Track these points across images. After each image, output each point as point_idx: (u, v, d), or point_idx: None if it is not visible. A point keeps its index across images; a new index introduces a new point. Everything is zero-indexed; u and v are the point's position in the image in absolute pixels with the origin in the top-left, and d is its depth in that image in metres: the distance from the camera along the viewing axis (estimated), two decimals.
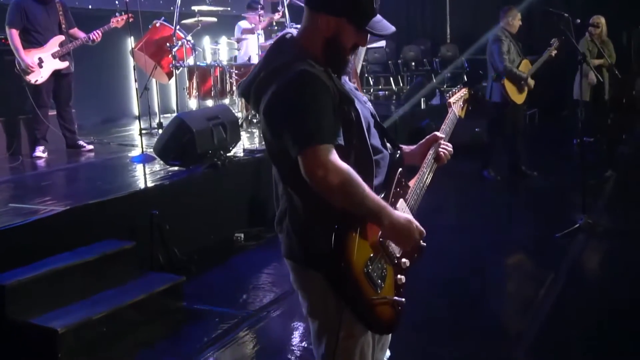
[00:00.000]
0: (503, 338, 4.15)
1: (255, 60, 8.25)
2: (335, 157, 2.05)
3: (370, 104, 2.39)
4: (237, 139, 6.54)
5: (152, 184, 5.50)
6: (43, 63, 6.89)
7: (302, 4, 7.55)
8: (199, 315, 4.48)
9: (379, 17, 2.23)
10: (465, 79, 13.27)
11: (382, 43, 13.37)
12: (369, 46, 11.86)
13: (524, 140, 8.16)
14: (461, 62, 13.39)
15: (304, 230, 2.21)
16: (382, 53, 13.77)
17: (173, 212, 5.38)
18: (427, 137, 2.54)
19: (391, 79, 14.24)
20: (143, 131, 7.91)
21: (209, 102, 8.55)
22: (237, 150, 6.61)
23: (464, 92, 2.87)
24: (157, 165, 6.14)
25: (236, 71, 7.81)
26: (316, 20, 2.19)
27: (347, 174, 2.05)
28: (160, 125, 8.29)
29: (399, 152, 2.38)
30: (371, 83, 14.42)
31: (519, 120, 7.99)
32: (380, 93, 13.72)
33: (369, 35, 2.25)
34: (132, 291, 4.35)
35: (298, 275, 2.30)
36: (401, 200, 2.31)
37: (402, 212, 2.26)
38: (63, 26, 7.09)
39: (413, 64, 14.10)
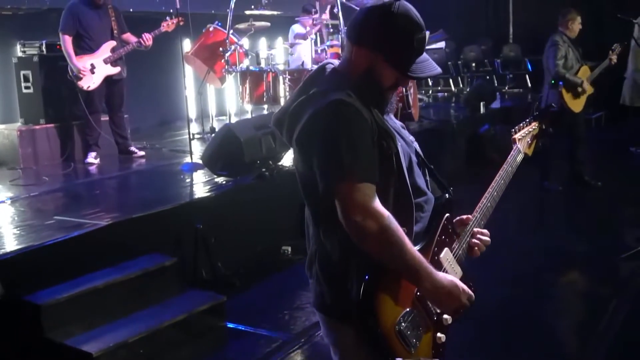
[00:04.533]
0: None
1: (308, 65, 8.08)
2: (376, 200, 1.87)
3: (417, 144, 2.20)
4: (287, 148, 6.39)
5: (198, 196, 5.40)
6: (95, 69, 6.88)
7: (356, 7, 7.37)
8: (240, 336, 4.37)
9: (424, 56, 2.04)
10: (528, 81, 12.86)
11: (442, 44, 13.03)
12: (427, 47, 11.58)
13: (586, 148, 7.75)
14: (524, 64, 12.96)
15: (335, 278, 2.03)
16: (442, 54, 13.39)
17: (219, 224, 5.27)
18: (461, 217, 2.25)
19: (451, 80, 13.90)
20: (196, 135, 7.92)
21: (262, 107, 8.45)
22: (287, 160, 6.46)
23: (533, 126, 2.58)
24: (205, 175, 6.05)
25: (289, 76, 7.66)
26: (354, 52, 2.05)
27: (387, 221, 1.86)
28: (212, 130, 8.24)
29: (447, 195, 2.15)
30: (430, 84, 14.08)
31: (579, 129, 7.57)
32: (439, 95, 13.39)
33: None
34: (172, 310, 4.23)
35: (329, 329, 2.12)
36: (446, 249, 2.10)
37: (448, 262, 2.06)
38: (115, 31, 7.08)
39: (473, 64, 13.76)
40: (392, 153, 1.98)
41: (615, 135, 10.61)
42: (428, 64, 2.06)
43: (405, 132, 2.18)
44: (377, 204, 1.87)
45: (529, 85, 12.96)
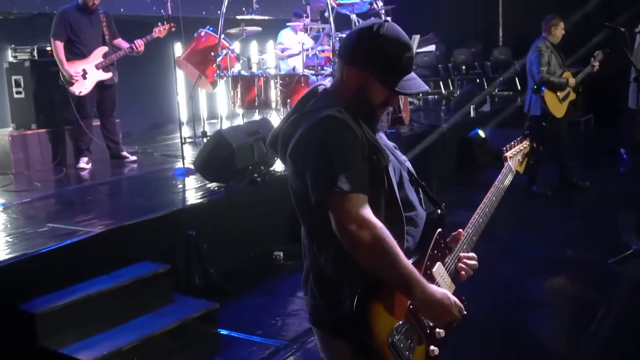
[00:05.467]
0: None
1: (300, 70, 8.12)
2: (369, 211, 1.93)
3: (409, 163, 2.26)
4: None
5: (191, 202, 5.43)
6: (87, 74, 6.90)
7: (348, 13, 7.39)
8: (233, 343, 4.39)
9: (412, 74, 2.11)
10: (518, 84, 12.93)
11: (432, 47, 13.11)
12: (418, 50, 11.63)
13: (570, 152, 7.82)
14: (514, 67, 13.02)
15: (329, 292, 2.07)
16: (432, 56, 13.48)
17: (211, 230, 5.31)
18: (453, 234, 2.29)
19: (441, 83, 13.95)
20: (187, 140, 7.93)
21: (253, 112, 8.47)
22: (278, 165, 6.49)
23: (524, 145, 2.62)
24: (197, 181, 6.07)
25: (280, 81, 7.68)
26: (345, 72, 2.11)
27: (380, 231, 1.91)
28: (204, 134, 8.24)
29: (439, 211, 2.20)
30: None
31: (562, 134, 7.64)
32: (430, 97, 13.43)
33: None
34: (166, 317, 4.26)
35: (324, 345, 2.16)
36: (439, 263, 2.14)
37: (440, 276, 2.11)
38: (106, 37, 7.10)
39: (464, 67, 13.78)
40: (382, 167, 2.04)
41: (604, 138, 10.68)
42: (416, 82, 2.12)
43: (397, 152, 2.24)
44: (370, 214, 1.93)
45: (519, 88, 13.03)
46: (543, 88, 7.23)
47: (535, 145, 2.64)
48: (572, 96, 7.39)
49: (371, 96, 2.09)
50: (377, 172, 2.02)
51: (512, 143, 2.59)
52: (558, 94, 7.33)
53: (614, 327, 4.44)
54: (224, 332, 4.47)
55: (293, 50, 8.71)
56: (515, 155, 2.56)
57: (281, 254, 5.81)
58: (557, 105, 7.36)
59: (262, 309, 4.92)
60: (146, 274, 4.46)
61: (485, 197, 2.37)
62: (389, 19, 8.30)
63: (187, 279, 5.04)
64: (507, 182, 2.46)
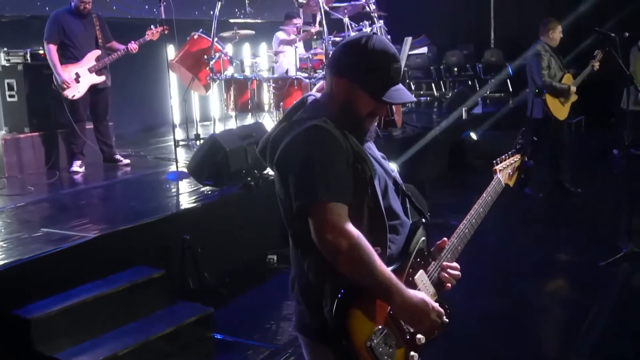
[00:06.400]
0: None
1: (292, 73, 8.14)
2: (347, 220, 1.98)
3: (397, 173, 2.30)
4: None
5: (185, 207, 5.45)
6: (80, 78, 6.90)
7: (340, 16, 7.41)
8: (228, 348, 4.42)
9: (399, 86, 2.16)
10: (510, 86, 12.98)
11: (424, 49, 13.14)
12: (410, 52, 11.66)
13: (567, 155, 7.88)
14: (506, 69, 13.08)
15: (312, 298, 2.11)
16: (424, 58, 13.53)
17: (205, 234, 5.32)
18: (438, 242, 2.31)
19: (433, 84, 14.01)
20: (180, 143, 7.93)
21: (246, 115, 8.49)
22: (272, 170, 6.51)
23: (515, 159, 2.65)
24: (191, 185, 6.09)
25: (273, 84, 7.71)
26: (333, 82, 2.17)
27: (357, 239, 1.96)
28: (197, 136, 8.25)
29: (424, 220, 2.24)
30: (412, 89, 14.19)
31: (562, 136, 7.71)
32: (422, 99, 13.49)
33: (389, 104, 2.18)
34: (161, 322, 4.27)
35: (309, 351, 2.20)
36: (421, 271, 2.17)
37: (422, 283, 2.15)
38: (100, 40, 7.10)
39: (455, 69, 13.84)
40: (367, 176, 2.09)
41: (594, 140, 10.76)
42: (403, 92, 2.17)
43: (385, 163, 2.28)
44: (348, 223, 1.97)
45: (510, 89, 13.10)
46: (545, 92, 7.27)
47: (526, 159, 2.67)
48: (574, 98, 7.44)
49: (359, 107, 2.14)
50: (361, 181, 2.07)
51: (503, 157, 2.61)
52: (560, 97, 7.37)
53: (605, 329, 4.48)
54: (218, 336, 4.49)
55: (288, 53, 8.73)
56: (505, 168, 2.59)
57: (275, 257, 5.84)
58: (559, 108, 7.41)
59: (256, 312, 4.94)
60: (141, 278, 4.47)
61: (472, 208, 2.39)
62: (380, 25, 8.36)
63: (182, 283, 5.06)
64: (495, 194, 2.49)
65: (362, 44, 2.11)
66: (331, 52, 2.32)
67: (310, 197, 1.96)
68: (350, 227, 1.96)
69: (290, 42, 8.71)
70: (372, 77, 2.11)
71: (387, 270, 2.00)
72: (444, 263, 2.25)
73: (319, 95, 2.25)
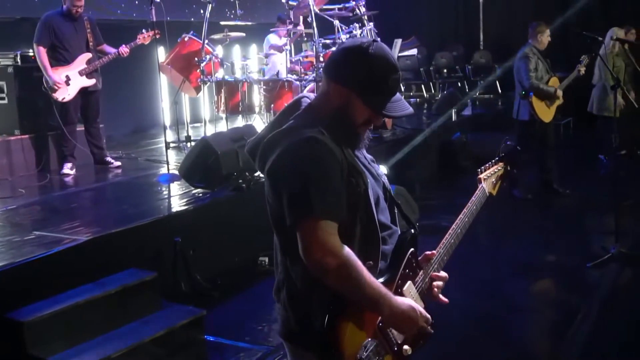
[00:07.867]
0: None
1: (283, 75, 8.17)
2: (336, 238, 1.95)
3: (386, 178, 2.28)
4: None
5: (176, 209, 5.46)
6: (70, 81, 6.91)
7: (330, 18, 7.43)
8: (220, 350, 4.43)
9: (397, 96, 2.13)
10: (499, 87, 13.07)
11: (414, 51, 13.22)
12: (400, 54, 11.72)
13: (554, 157, 7.94)
14: (495, 70, 13.17)
15: (300, 306, 2.10)
16: (414, 60, 13.60)
17: (197, 236, 5.35)
18: (426, 253, 2.31)
19: (422, 86, 14.08)
20: (171, 144, 7.94)
21: (237, 117, 8.51)
22: None
23: (498, 167, 2.64)
24: (182, 187, 6.11)
25: (264, 87, 7.74)
26: (329, 88, 2.13)
27: (345, 258, 1.94)
28: (188, 138, 8.26)
29: (412, 230, 2.22)
30: (402, 90, 14.23)
31: (549, 138, 7.76)
32: (412, 100, 13.55)
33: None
34: (153, 325, 4.28)
35: (293, 358, 2.19)
36: (409, 282, 2.18)
37: (410, 294, 2.15)
38: (91, 43, 7.11)
39: (445, 70, 13.93)
40: (361, 190, 2.06)
41: (582, 142, 10.84)
42: (401, 104, 2.14)
43: (374, 166, 2.25)
44: (337, 241, 1.94)
45: (500, 91, 13.19)
46: (531, 94, 7.33)
47: (509, 169, 2.67)
48: (560, 101, 7.51)
49: (354, 114, 2.10)
50: (355, 194, 2.05)
51: (487, 165, 2.61)
52: (546, 100, 7.44)
53: (593, 330, 4.53)
54: (210, 338, 4.51)
55: (279, 55, 8.75)
56: (489, 177, 2.58)
57: (266, 259, 5.85)
58: (545, 110, 7.48)
59: (248, 314, 4.96)
60: (133, 281, 4.48)
61: (457, 218, 2.39)
62: (370, 27, 8.40)
63: (174, 285, 5.08)
64: (480, 204, 2.49)
65: (362, 51, 2.06)
66: (330, 54, 2.26)
67: (303, 214, 1.93)
68: (339, 245, 1.94)
69: (280, 48, 8.74)
70: (369, 86, 2.06)
71: (376, 282, 1.99)
72: (433, 273, 2.26)
73: (312, 96, 2.21)
